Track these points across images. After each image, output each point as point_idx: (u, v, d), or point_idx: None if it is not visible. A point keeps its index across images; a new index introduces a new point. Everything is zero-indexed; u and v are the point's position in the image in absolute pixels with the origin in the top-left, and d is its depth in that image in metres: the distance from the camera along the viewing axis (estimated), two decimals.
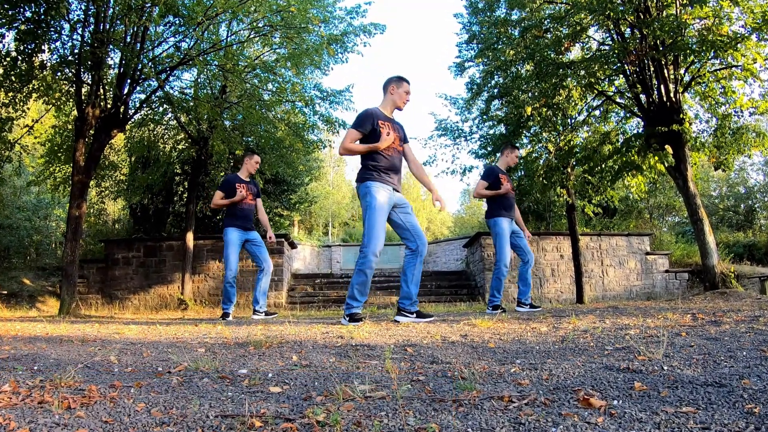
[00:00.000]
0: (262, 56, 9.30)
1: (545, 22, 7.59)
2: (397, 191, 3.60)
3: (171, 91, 8.66)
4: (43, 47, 7.14)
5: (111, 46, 7.17)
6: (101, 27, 7.00)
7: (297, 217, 21.82)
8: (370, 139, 3.52)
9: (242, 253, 5.73)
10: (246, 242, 5.18)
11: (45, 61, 7.48)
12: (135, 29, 7.10)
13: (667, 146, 6.60)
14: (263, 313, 5.17)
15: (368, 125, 3.50)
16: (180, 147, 10.70)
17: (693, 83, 6.83)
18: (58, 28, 7.10)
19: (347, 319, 3.42)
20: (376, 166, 3.51)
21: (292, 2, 7.03)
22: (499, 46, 8.19)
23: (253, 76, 8.87)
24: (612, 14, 6.26)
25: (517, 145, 5.52)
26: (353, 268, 3.74)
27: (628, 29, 7.10)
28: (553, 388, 1.42)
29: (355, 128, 3.52)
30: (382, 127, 3.50)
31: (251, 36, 8.50)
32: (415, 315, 3.54)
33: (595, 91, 7.71)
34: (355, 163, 40.68)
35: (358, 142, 3.56)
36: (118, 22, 7.12)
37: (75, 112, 7.75)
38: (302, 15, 7.23)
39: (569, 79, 7.16)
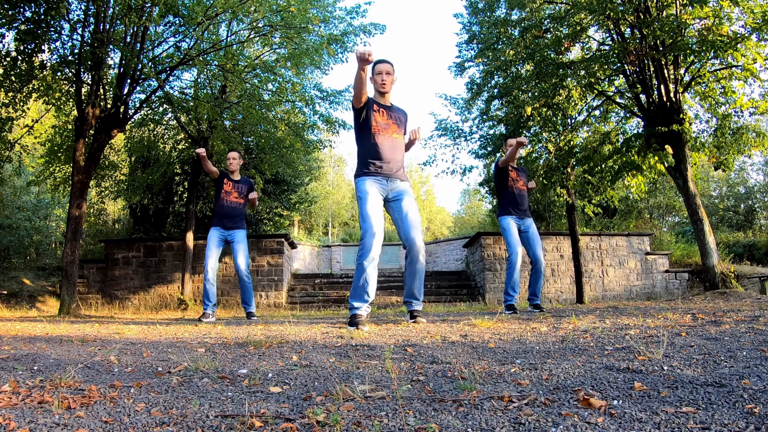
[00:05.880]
0: (262, 56, 9.30)
1: (545, 22, 7.59)
2: (393, 179, 3.37)
3: (171, 91, 8.66)
4: (43, 47, 7.14)
5: (111, 46, 7.17)
6: (101, 27, 7.00)
7: (297, 217, 21.82)
8: (362, 127, 3.36)
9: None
10: (229, 242, 5.10)
11: (45, 61, 7.48)
12: (135, 29, 7.10)
13: (667, 146, 6.60)
14: (248, 315, 5.11)
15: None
16: (180, 147, 10.70)
17: (693, 83, 6.83)
18: (58, 28, 7.10)
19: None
20: (362, 158, 3.39)
21: (292, 2, 7.03)
22: (499, 46, 8.19)
23: (253, 76, 8.87)
24: (612, 14, 6.25)
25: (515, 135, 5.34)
26: (353, 268, 3.60)
27: (628, 29, 7.10)
28: (553, 388, 1.42)
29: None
30: (376, 113, 3.35)
31: (251, 36, 8.50)
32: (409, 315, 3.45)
33: (595, 91, 7.70)
34: (354, 163, 40.59)
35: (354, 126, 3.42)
36: (118, 22, 7.12)
37: (75, 112, 7.75)
38: (302, 15, 7.23)
39: (569, 79, 7.16)
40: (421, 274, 3.41)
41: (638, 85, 6.89)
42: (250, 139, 10.32)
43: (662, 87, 6.63)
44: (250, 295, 5.09)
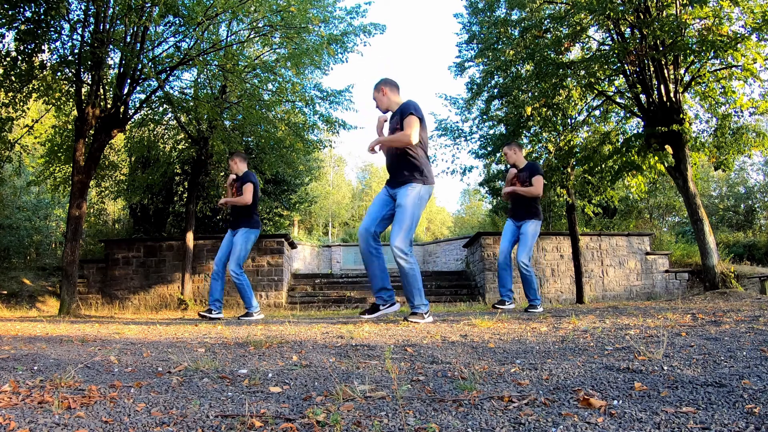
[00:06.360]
0: (262, 56, 9.30)
1: (545, 22, 7.60)
2: (395, 185, 3.50)
3: (171, 91, 8.66)
4: (43, 47, 7.14)
5: (111, 46, 7.16)
6: (101, 27, 6.99)
7: (297, 217, 21.83)
8: None
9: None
10: None
11: (45, 61, 7.47)
12: (135, 29, 7.10)
13: (667, 146, 6.60)
14: (244, 314, 5.02)
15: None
16: (180, 147, 10.70)
17: (693, 83, 6.83)
18: (58, 28, 7.10)
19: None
20: None
21: (292, 2, 7.03)
22: (499, 46, 8.19)
23: (253, 76, 8.87)
24: (612, 14, 6.26)
25: (512, 141, 5.32)
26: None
27: (628, 29, 7.10)
28: (553, 388, 1.42)
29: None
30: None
31: (251, 36, 8.50)
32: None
33: (595, 91, 7.70)
34: (354, 163, 40.66)
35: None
36: (118, 22, 7.11)
37: (75, 112, 7.75)
38: (302, 15, 7.23)
39: (569, 79, 7.16)
40: (408, 278, 3.37)
41: (638, 85, 6.89)
42: (250, 139, 10.32)
43: (662, 87, 6.63)
44: (242, 294, 4.96)
